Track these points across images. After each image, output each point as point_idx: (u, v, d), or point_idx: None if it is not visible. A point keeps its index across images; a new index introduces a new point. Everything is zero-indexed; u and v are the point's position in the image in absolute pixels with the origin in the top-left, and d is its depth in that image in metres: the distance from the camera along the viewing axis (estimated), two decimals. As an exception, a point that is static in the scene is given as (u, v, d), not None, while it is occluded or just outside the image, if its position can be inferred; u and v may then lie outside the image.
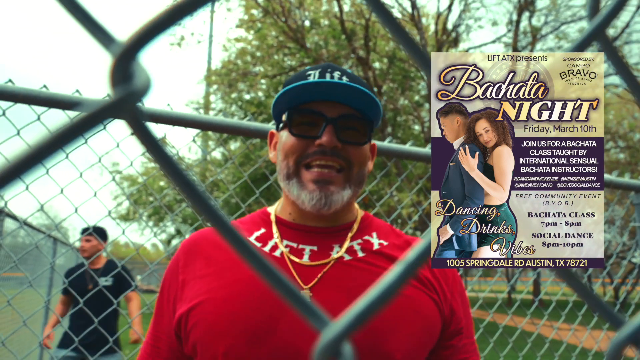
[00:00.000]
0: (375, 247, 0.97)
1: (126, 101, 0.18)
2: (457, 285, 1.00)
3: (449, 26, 13.21)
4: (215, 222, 0.21)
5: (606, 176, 2.36)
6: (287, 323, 0.84)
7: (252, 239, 0.97)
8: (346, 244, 0.95)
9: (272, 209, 1.04)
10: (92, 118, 0.18)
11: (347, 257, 0.93)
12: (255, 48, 13.61)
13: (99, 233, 3.79)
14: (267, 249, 0.95)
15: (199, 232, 1.02)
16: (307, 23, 13.02)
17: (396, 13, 13.38)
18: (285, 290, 0.21)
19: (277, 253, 0.94)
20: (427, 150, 2.04)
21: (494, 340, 2.24)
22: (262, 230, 0.99)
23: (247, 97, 14.65)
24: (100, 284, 2.43)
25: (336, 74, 0.94)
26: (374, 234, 1.00)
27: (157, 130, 1.74)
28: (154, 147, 0.20)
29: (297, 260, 0.92)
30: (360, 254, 0.94)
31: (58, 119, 1.66)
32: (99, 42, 0.20)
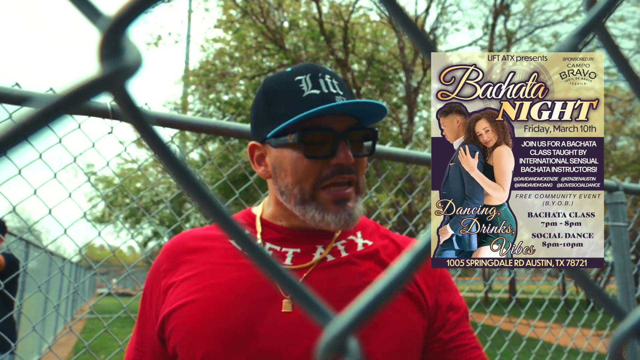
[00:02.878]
0: (360, 247, 0.95)
1: (116, 76, 0.17)
2: (442, 278, 0.98)
3: (427, 29, 13.36)
4: (210, 210, 0.20)
5: (581, 177, 2.41)
6: (266, 327, 0.83)
7: (234, 241, 0.95)
8: (330, 245, 0.94)
9: (257, 211, 1.01)
10: (80, 93, 0.17)
11: (330, 258, 0.92)
12: (233, 49, 13.51)
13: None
14: None
15: (181, 235, 1.00)
16: (285, 24, 12.98)
17: (374, 16, 13.46)
18: (289, 286, 0.20)
19: None
20: (406, 150, 2.05)
21: (473, 339, 2.26)
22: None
23: (225, 98, 14.54)
24: None
25: (327, 79, 0.90)
26: (359, 234, 0.98)
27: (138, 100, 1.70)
28: (143, 126, 0.19)
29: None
30: (344, 254, 0.93)
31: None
32: (86, 16, 0.19)
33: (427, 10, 12.98)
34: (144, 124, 0.19)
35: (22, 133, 0.18)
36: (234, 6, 12.19)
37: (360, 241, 0.96)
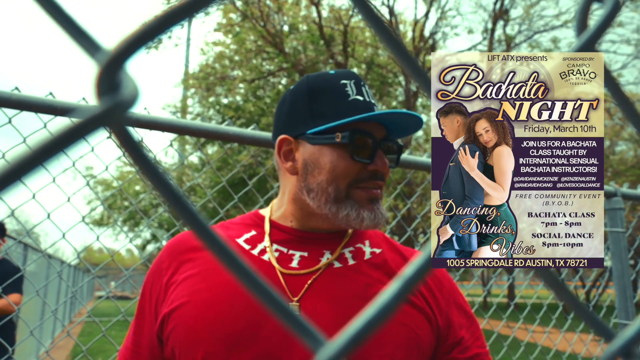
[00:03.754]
0: (367, 255, 0.94)
1: (113, 112, 0.17)
2: (454, 295, 0.96)
3: (426, 33, 13.40)
4: (212, 244, 0.20)
5: (580, 181, 2.41)
6: (268, 330, 0.82)
7: (240, 240, 0.94)
8: (338, 251, 0.93)
9: (266, 212, 1.00)
10: (78, 129, 0.17)
11: (337, 265, 0.91)
12: (233, 52, 13.54)
13: None
14: (255, 251, 0.92)
15: (183, 233, 0.99)
16: (285, 28, 13.02)
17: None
18: (274, 306, 0.20)
19: (265, 257, 0.91)
20: (405, 156, 2.05)
21: (472, 344, 2.26)
22: (253, 233, 0.96)
23: (225, 101, 14.56)
24: None
25: (367, 88, 0.95)
26: (367, 242, 0.97)
27: (135, 133, 1.70)
28: (141, 158, 0.19)
29: (284, 268, 0.89)
30: (351, 262, 0.92)
31: (30, 122, 1.61)
32: (84, 50, 0.19)
33: (426, 15, 13.02)
34: (143, 157, 0.19)
35: (17, 172, 0.18)
36: (234, 10, 12.22)
37: (367, 250, 0.96)
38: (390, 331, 0.84)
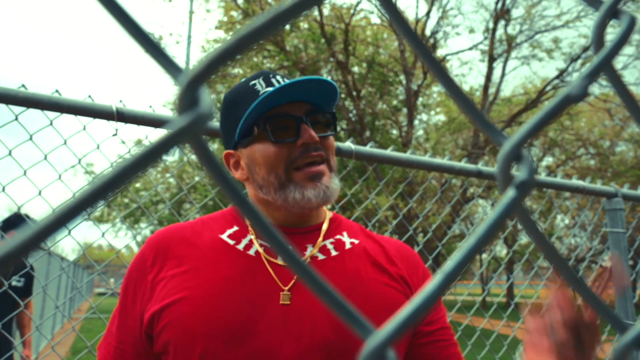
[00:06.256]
0: (348, 246, 0.98)
1: (193, 127, 0.19)
2: (425, 277, 1.03)
3: (427, 32, 13.40)
4: (285, 255, 0.22)
5: (579, 182, 2.42)
6: (265, 325, 0.84)
7: (224, 236, 0.95)
8: (319, 244, 0.96)
9: None
10: (165, 144, 0.19)
11: (321, 257, 0.94)
12: (234, 50, 13.52)
13: (17, 223, 3.31)
14: (240, 246, 0.93)
15: (165, 229, 0.99)
16: (286, 26, 13.00)
17: (375, 19, 13.50)
18: (330, 300, 0.22)
19: (251, 252, 0.93)
20: (407, 155, 2.06)
21: (471, 343, 2.27)
22: (235, 228, 0.97)
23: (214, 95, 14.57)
24: (10, 283, 2.16)
25: (279, 77, 0.97)
26: (345, 233, 1.01)
27: (140, 131, 1.72)
28: (215, 169, 0.21)
29: (272, 259, 0.92)
30: (334, 253, 0.95)
31: (36, 119, 1.63)
32: (170, 74, 0.21)
33: (428, 14, 13.02)
34: (218, 169, 0.21)
35: (119, 180, 0.19)
36: (235, 7, 12.23)
37: (347, 240, 0.99)
38: (377, 316, 0.87)
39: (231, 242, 0.94)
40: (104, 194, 0.18)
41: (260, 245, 0.94)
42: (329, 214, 1.04)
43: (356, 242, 0.99)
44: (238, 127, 0.94)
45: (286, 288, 0.88)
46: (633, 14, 0.28)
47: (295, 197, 0.91)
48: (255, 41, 0.19)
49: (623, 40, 0.27)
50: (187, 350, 0.83)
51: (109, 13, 0.20)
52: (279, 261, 0.92)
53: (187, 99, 0.19)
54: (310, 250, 0.95)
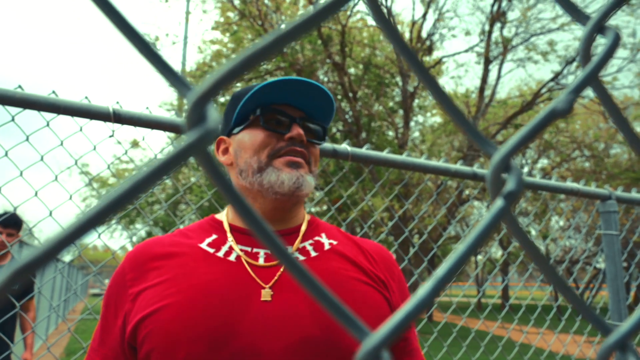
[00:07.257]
0: (327, 247, 1.00)
1: (201, 143, 0.20)
2: (402, 283, 1.05)
3: (424, 34, 13.44)
4: (287, 262, 0.23)
5: (574, 185, 2.44)
6: (247, 324, 0.84)
7: (203, 245, 0.96)
8: (298, 245, 0.98)
9: (223, 216, 1.04)
10: (174, 160, 0.20)
11: (301, 258, 0.96)
12: (230, 51, 13.54)
13: (16, 222, 3.19)
14: (220, 254, 0.94)
15: (143, 243, 0.99)
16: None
17: (372, 21, 13.49)
18: (326, 302, 0.23)
19: (232, 257, 0.93)
20: (403, 157, 2.07)
21: (466, 344, 2.29)
22: (214, 237, 0.98)
23: (221, 100, 14.56)
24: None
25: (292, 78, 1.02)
26: (323, 235, 1.03)
27: (136, 133, 1.72)
28: (221, 181, 0.21)
29: (253, 262, 0.93)
30: (314, 254, 0.97)
31: (33, 120, 1.63)
32: (179, 92, 0.22)
33: (424, 16, 13.06)
34: (225, 181, 0.22)
35: (127, 196, 0.20)
36: (232, 8, 12.23)
37: (326, 241, 1.02)
38: (359, 314, 0.89)
39: (211, 250, 0.95)
40: (115, 209, 0.19)
41: (241, 250, 0.95)
42: (307, 217, 1.06)
43: (335, 243, 1.02)
44: (235, 113, 1.00)
45: (267, 285, 0.89)
46: (617, 30, 0.29)
47: (270, 180, 0.94)
48: (260, 60, 0.20)
49: (608, 55, 0.28)
50: (170, 356, 0.83)
51: (124, 36, 0.21)
52: (260, 263, 0.93)
53: (195, 116, 0.21)
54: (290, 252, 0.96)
